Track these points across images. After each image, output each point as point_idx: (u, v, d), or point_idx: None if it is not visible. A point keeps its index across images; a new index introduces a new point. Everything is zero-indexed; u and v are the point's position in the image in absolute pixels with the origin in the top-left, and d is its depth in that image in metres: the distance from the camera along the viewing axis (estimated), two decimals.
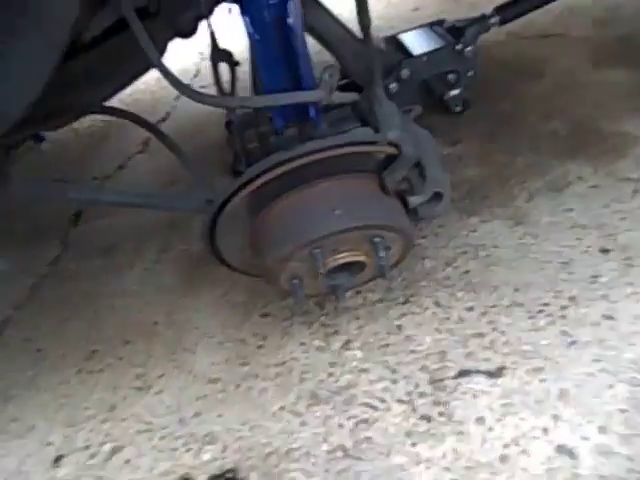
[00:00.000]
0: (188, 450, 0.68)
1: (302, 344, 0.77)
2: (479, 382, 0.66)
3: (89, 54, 0.61)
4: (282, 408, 0.70)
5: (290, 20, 0.48)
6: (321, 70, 0.48)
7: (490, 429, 0.61)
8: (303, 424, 0.67)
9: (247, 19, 0.52)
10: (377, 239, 0.55)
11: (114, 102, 0.96)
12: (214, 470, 0.65)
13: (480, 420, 0.62)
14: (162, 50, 0.71)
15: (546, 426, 0.60)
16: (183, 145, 1.28)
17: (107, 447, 0.71)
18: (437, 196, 0.56)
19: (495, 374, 0.66)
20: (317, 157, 0.50)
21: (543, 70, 1.15)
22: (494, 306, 0.74)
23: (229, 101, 0.63)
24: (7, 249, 1.10)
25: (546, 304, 0.72)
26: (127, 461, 0.68)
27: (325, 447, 0.65)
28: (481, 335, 0.71)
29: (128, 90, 0.93)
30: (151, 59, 0.49)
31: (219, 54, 0.52)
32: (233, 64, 0.62)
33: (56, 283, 1.00)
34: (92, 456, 0.70)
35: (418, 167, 0.52)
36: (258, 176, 0.51)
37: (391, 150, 0.50)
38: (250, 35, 0.53)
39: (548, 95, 1.07)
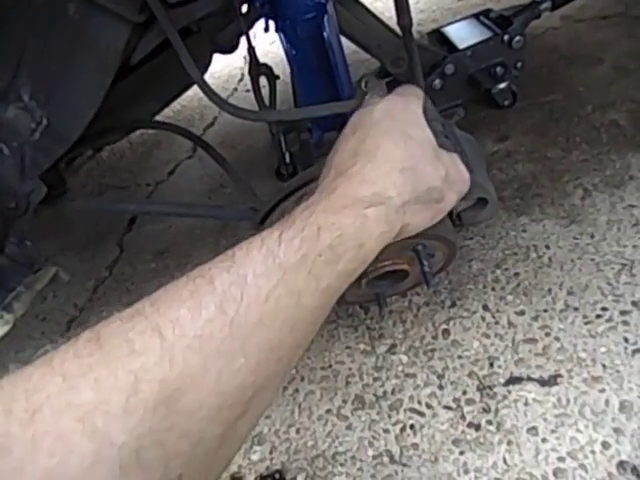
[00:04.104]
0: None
1: (347, 347, 0.77)
2: (531, 390, 0.64)
3: (137, 74, 0.64)
4: (328, 411, 0.71)
5: (325, 34, 0.48)
6: (358, 78, 0.48)
7: (544, 440, 0.59)
8: (349, 428, 0.68)
9: (282, 35, 0.53)
10: (419, 247, 0.54)
11: (165, 111, 1.01)
12: (262, 470, 0.67)
13: (532, 430, 0.60)
14: (205, 65, 0.73)
15: (606, 440, 0.57)
16: (230, 149, 1.31)
17: None
18: (482, 202, 0.54)
19: (548, 382, 0.64)
20: None
21: (601, 55, 1.07)
22: (547, 310, 0.71)
23: (267, 115, 0.64)
24: (70, 252, 1.18)
25: (605, 309, 0.68)
26: None
27: (371, 452, 0.65)
28: (533, 341, 0.68)
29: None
30: (193, 77, 0.51)
31: (259, 68, 0.52)
32: (273, 77, 0.62)
33: (114, 285, 1.06)
34: None
35: None
36: (299, 188, 0.52)
37: None
38: (286, 50, 0.54)
39: (607, 82, 1.00)
